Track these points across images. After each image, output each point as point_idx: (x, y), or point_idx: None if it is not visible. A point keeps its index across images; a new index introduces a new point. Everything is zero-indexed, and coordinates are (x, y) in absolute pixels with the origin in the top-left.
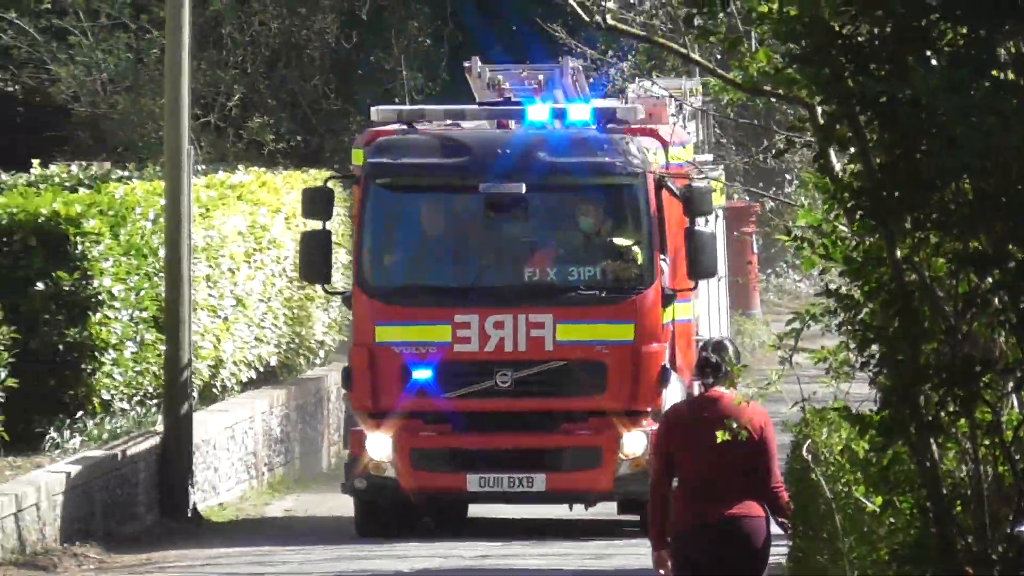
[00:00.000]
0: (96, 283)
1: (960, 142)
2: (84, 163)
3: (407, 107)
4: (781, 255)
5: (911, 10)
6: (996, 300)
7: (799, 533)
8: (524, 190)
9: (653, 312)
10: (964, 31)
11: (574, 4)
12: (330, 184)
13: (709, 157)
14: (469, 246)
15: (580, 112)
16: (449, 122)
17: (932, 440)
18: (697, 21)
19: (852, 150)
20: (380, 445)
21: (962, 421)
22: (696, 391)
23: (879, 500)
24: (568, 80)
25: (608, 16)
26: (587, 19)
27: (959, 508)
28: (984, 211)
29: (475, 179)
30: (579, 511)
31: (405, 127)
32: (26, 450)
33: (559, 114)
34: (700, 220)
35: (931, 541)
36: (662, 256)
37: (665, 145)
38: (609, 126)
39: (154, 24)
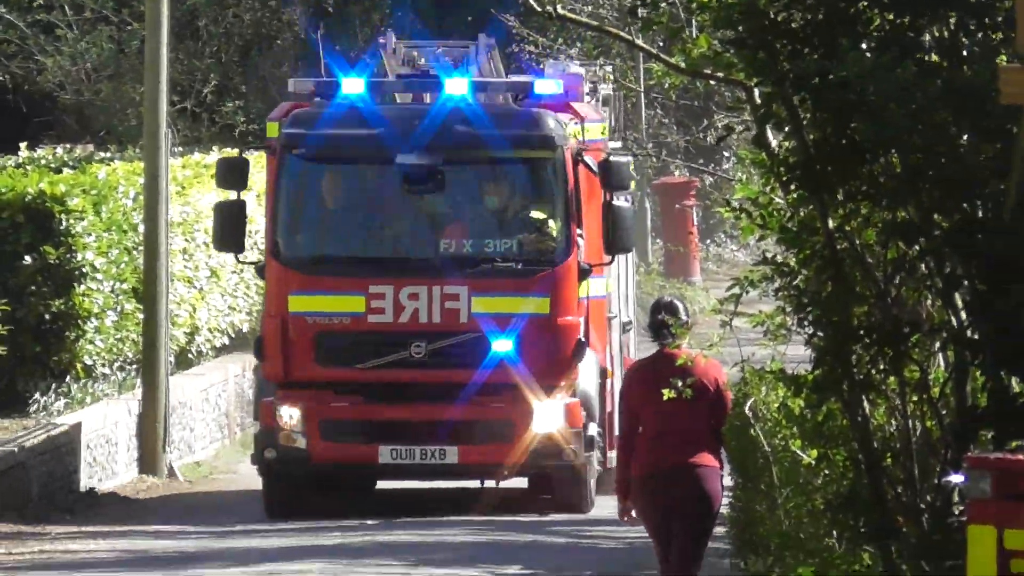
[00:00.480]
0: (80, 257)
1: (888, 119)
2: (69, 146)
3: (324, 80)
4: (720, 227)
5: None
6: (923, 266)
7: (739, 485)
8: (440, 162)
9: (569, 286)
10: (891, 17)
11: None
12: (245, 155)
13: (619, 144)
14: (384, 218)
15: (499, 87)
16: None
17: (864, 397)
18: (641, 12)
19: (787, 128)
20: (291, 415)
21: (892, 379)
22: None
23: (814, 453)
24: (483, 57)
25: (559, 6)
26: (539, 9)
27: (890, 460)
28: (911, 183)
29: (391, 151)
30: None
31: (321, 99)
32: (13, 412)
33: (478, 87)
34: (618, 194)
35: (863, 492)
36: (579, 231)
37: (582, 121)
38: (525, 100)
39: (135, 17)
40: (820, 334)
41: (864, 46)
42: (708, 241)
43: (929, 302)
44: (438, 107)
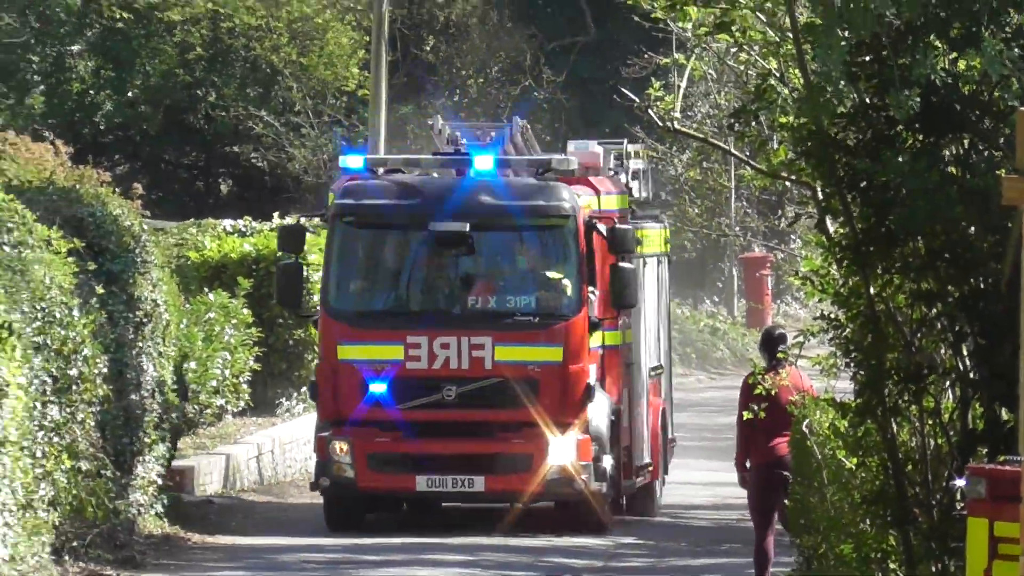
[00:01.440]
0: (315, 298)
1: (916, 214)
2: (310, 216)
3: (371, 156)
4: (788, 291)
5: (884, 122)
6: (939, 324)
7: (798, 483)
8: (468, 229)
9: (580, 337)
10: (920, 137)
11: (653, 116)
12: (303, 222)
13: (655, 211)
14: (420, 277)
15: (521, 164)
16: (411, 170)
17: (892, 420)
18: (736, 128)
19: (841, 219)
20: (341, 448)
21: (913, 408)
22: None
23: (854, 461)
24: (518, 136)
25: (675, 123)
26: (660, 124)
27: (910, 467)
28: (932, 262)
29: (426, 219)
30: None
31: (369, 173)
32: (265, 414)
33: (502, 164)
34: (624, 257)
35: (890, 490)
36: (591, 288)
37: (597, 192)
38: (545, 174)
39: (360, 122)
40: (861, 373)
41: (900, 159)
42: (779, 301)
43: (943, 351)
44: (467, 181)
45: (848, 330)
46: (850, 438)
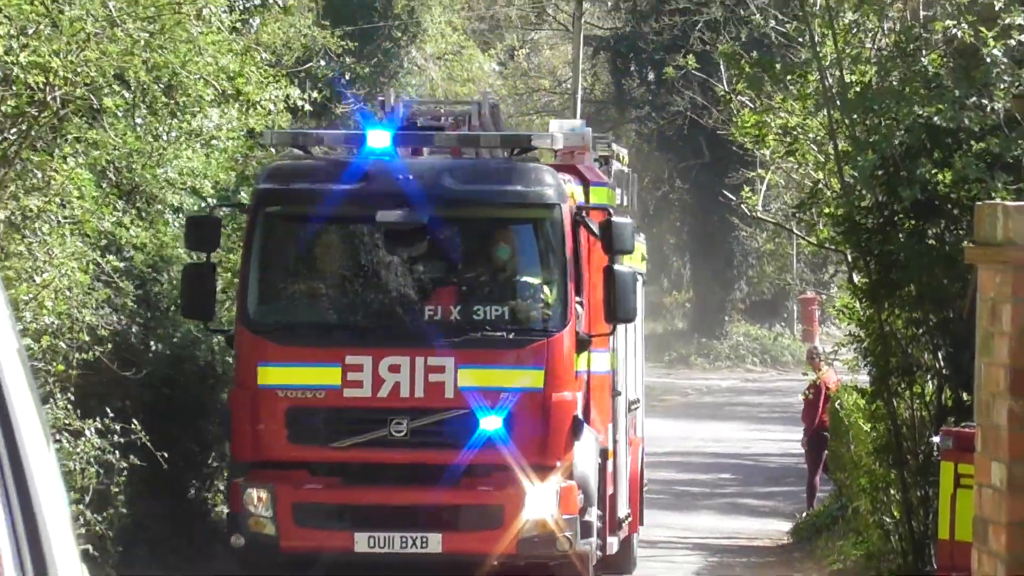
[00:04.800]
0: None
1: (911, 271)
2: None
3: (304, 131)
4: (829, 319)
5: (890, 213)
6: (924, 339)
7: (833, 440)
8: (425, 220)
9: (565, 357)
10: (913, 222)
11: (745, 209)
12: (217, 213)
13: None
14: (364, 281)
15: (492, 140)
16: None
17: (893, 400)
18: (797, 215)
19: (863, 273)
20: (259, 498)
21: (907, 392)
22: None
23: (869, 426)
24: (487, 115)
25: (758, 213)
26: (749, 213)
27: (904, 430)
28: (919, 301)
29: (372, 207)
30: None
31: (301, 152)
32: None
33: (468, 141)
34: (621, 259)
35: (892, 444)
36: (578, 298)
37: (586, 182)
38: (522, 155)
39: None
40: (874, 370)
41: (900, 236)
42: (823, 326)
43: (926, 356)
44: (425, 160)
45: (866, 343)
46: (866, 411)
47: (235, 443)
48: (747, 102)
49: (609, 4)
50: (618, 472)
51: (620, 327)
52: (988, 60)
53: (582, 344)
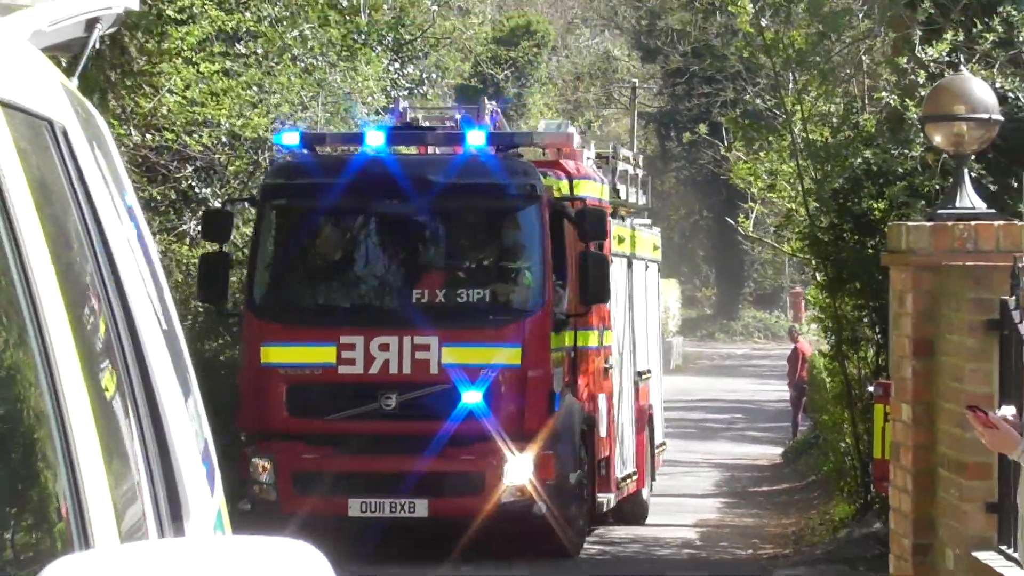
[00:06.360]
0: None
1: (856, 271)
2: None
3: (309, 131)
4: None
5: (841, 231)
6: (865, 319)
7: (809, 389)
8: (414, 210)
9: (542, 336)
10: (857, 237)
11: (740, 230)
12: (229, 207)
13: (647, 221)
14: (357, 267)
15: (476, 137)
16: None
17: (845, 361)
18: (778, 233)
19: (822, 272)
20: (263, 468)
21: (855, 356)
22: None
23: (829, 380)
24: (486, 120)
25: (751, 232)
26: (743, 234)
27: (853, 382)
28: (862, 292)
29: (365, 199)
30: None
31: (307, 151)
32: None
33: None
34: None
35: (844, 391)
36: (559, 281)
37: (570, 176)
38: (507, 151)
39: None
40: (833, 340)
41: (849, 246)
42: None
43: (868, 331)
44: (415, 156)
45: (826, 322)
46: (827, 368)
47: (242, 417)
48: (741, 155)
49: (655, 90)
50: (616, 436)
51: (624, 308)
52: (909, 122)
53: (560, 324)
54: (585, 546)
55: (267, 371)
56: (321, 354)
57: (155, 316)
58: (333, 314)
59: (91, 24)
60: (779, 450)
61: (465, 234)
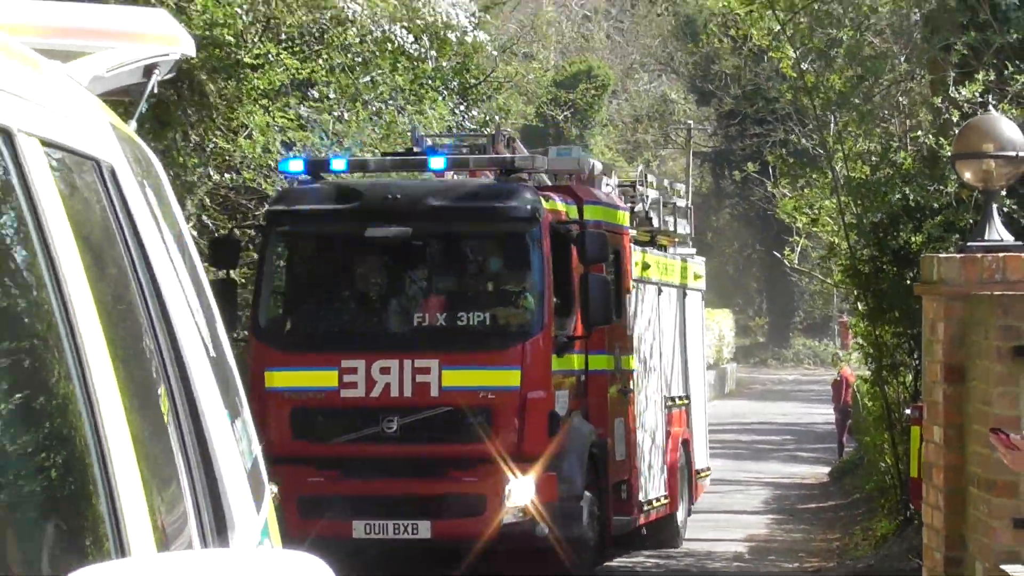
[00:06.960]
0: None
1: (894, 300)
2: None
3: (313, 158)
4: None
5: (880, 263)
6: (904, 346)
7: (853, 411)
8: (411, 233)
9: (542, 359)
10: (895, 269)
11: (786, 263)
12: (236, 233)
13: (693, 250)
14: (358, 291)
15: (481, 162)
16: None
17: (885, 385)
18: (822, 264)
19: (864, 301)
20: (271, 492)
21: (894, 381)
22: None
23: (871, 403)
24: (500, 145)
25: (795, 265)
26: (789, 267)
27: (892, 406)
28: (901, 320)
29: (364, 223)
30: None
31: (312, 178)
32: None
33: (458, 164)
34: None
35: (885, 415)
36: (564, 304)
37: (579, 201)
38: (509, 175)
39: None
40: (873, 367)
41: (889, 278)
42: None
43: (906, 357)
44: (414, 181)
45: (868, 349)
46: (869, 393)
47: None
48: (786, 192)
49: (709, 131)
50: (640, 460)
51: (653, 333)
52: (944, 160)
53: (563, 347)
54: (626, 560)
55: (272, 395)
56: (323, 378)
57: (202, 344)
58: (335, 338)
59: (149, 70)
60: (826, 469)
61: (465, 258)
